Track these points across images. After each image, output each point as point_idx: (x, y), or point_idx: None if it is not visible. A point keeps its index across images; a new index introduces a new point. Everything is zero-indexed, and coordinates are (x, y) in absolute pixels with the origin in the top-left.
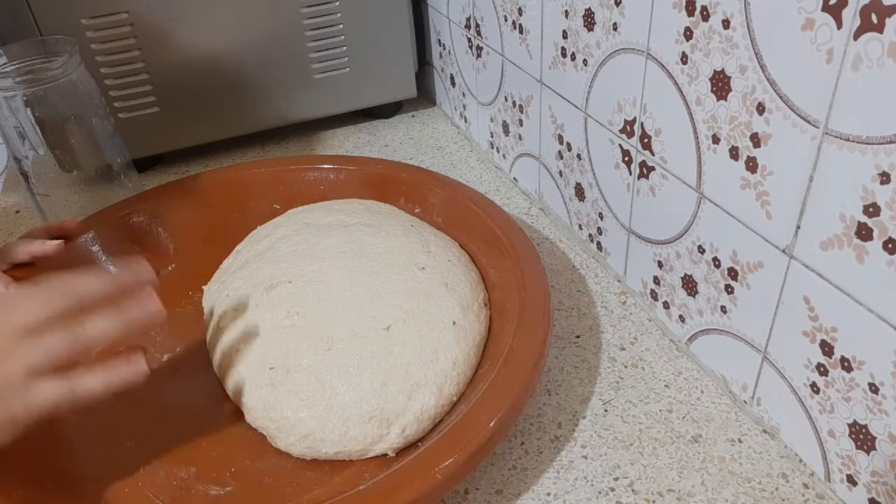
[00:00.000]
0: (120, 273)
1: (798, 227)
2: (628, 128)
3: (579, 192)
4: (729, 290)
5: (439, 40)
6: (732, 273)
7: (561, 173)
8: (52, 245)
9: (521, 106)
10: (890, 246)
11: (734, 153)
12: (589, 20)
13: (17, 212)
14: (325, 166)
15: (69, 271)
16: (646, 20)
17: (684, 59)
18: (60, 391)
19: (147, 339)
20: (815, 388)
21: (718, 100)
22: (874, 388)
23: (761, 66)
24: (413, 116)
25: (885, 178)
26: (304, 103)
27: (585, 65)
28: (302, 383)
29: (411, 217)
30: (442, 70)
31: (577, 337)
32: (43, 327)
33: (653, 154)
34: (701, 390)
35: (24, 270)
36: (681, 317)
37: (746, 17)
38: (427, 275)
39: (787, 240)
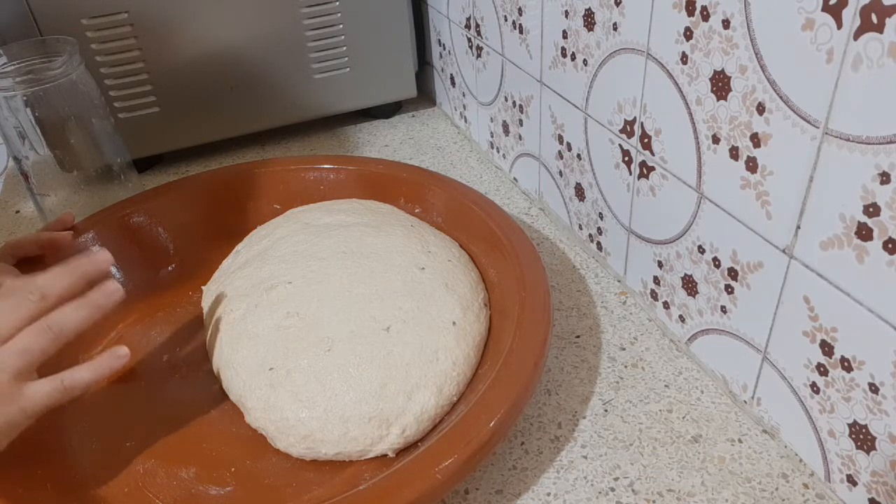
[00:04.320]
0: (78, 260)
1: (798, 227)
2: (628, 128)
3: (579, 192)
4: (729, 290)
5: (439, 40)
6: (732, 273)
7: (561, 173)
8: (61, 235)
9: (521, 106)
10: (890, 246)
11: (734, 153)
12: (589, 20)
13: (17, 212)
14: (325, 166)
15: (30, 273)
16: (646, 20)
17: (684, 59)
18: (52, 387)
19: (147, 340)
20: (815, 388)
21: (718, 100)
22: (874, 388)
23: (761, 66)
24: (413, 116)
25: (885, 178)
26: (304, 103)
27: (585, 65)
28: (302, 384)
29: (411, 217)
30: (442, 70)
31: (577, 337)
32: (15, 332)
33: (653, 154)
34: (701, 390)
35: (34, 264)
36: (681, 317)
37: (746, 17)
38: (427, 275)
39: (787, 240)
